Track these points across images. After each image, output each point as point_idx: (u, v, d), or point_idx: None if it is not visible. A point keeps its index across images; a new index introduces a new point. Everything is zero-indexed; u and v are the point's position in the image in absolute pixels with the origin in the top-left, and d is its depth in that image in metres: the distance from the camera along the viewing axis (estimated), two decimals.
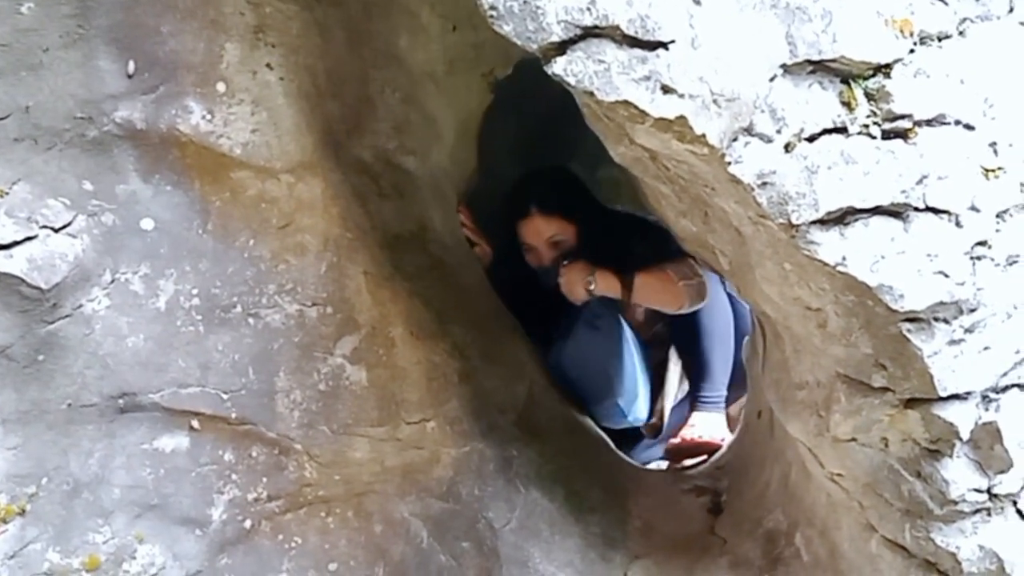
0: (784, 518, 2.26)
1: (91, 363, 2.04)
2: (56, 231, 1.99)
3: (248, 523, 2.23)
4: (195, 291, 2.13)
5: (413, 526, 2.41)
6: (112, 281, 2.06)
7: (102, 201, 2.04)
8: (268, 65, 2.11)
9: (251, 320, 2.17)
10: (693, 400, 3.36)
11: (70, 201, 2.01)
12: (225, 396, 2.16)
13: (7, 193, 1.95)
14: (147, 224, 2.09)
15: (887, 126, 1.64)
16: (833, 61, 1.63)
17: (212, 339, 2.15)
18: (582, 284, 3.05)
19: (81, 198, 2.02)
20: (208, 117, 2.07)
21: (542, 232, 3.14)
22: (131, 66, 2.01)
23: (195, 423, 2.16)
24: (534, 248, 3.19)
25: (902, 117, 1.64)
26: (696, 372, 3.36)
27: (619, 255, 3.07)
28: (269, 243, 2.17)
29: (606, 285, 3.04)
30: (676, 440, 3.29)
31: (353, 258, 2.26)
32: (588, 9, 1.41)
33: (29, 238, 1.95)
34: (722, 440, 3.21)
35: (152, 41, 2.02)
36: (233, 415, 2.17)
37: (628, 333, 3.22)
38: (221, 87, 2.08)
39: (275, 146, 2.13)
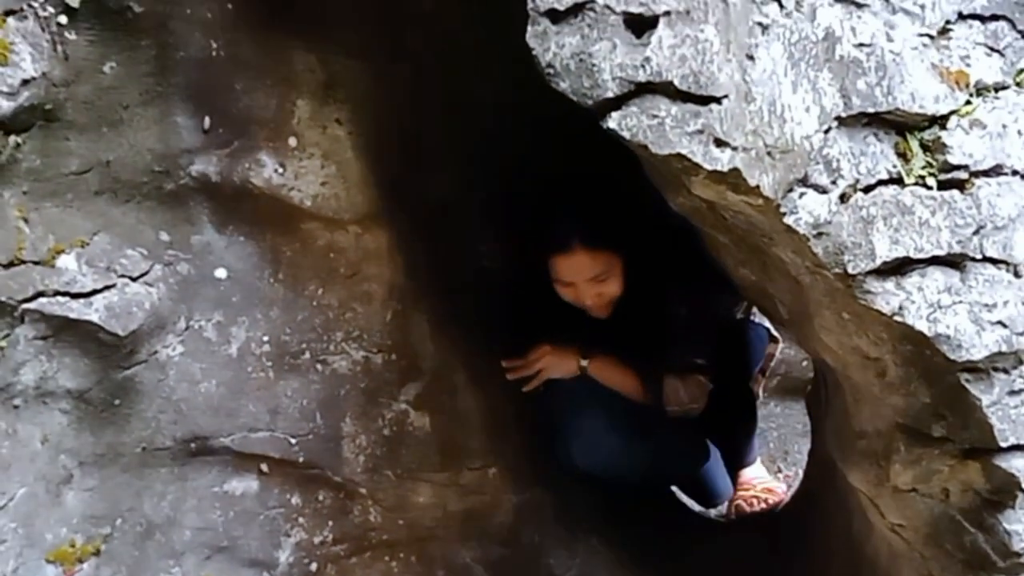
0: (846, 569, 2.24)
1: (165, 408, 2.12)
2: (134, 280, 2.07)
3: (314, 566, 2.27)
4: (266, 338, 2.20)
5: (475, 571, 2.43)
6: (186, 328, 2.14)
7: (178, 251, 2.12)
8: (337, 120, 2.19)
9: (319, 366, 2.24)
10: (737, 458, 3.26)
11: (147, 251, 2.09)
12: (293, 440, 2.22)
13: (88, 244, 2.04)
14: (220, 273, 2.17)
15: (943, 177, 1.65)
16: (888, 113, 1.64)
17: (281, 385, 2.21)
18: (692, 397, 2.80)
19: (158, 248, 2.10)
20: (280, 171, 2.14)
21: (585, 271, 2.57)
22: (207, 122, 2.10)
23: (264, 467, 2.22)
24: (572, 285, 2.62)
25: (958, 168, 1.64)
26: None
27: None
28: (337, 292, 2.24)
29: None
30: (744, 494, 3.22)
31: (417, 305, 2.32)
32: (642, 66, 1.45)
33: (108, 287, 2.03)
34: (783, 491, 3.19)
35: (226, 98, 2.10)
36: (301, 459, 2.23)
37: None
38: (292, 141, 2.16)
39: (343, 198, 2.20)
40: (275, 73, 2.12)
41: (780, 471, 3.63)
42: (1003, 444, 1.65)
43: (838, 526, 2.29)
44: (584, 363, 2.73)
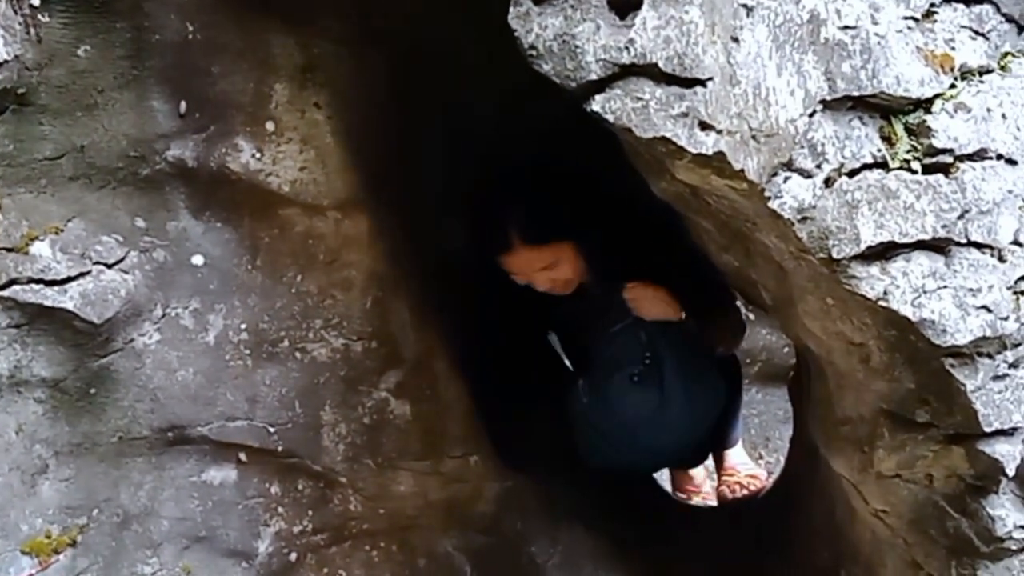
0: (829, 555, 2.24)
1: (141, 396, 2.09)
2: (109, 267, 2.04)
3: (294, 556, 2.26)
4: (244, 326, 2.17)
5: (457, 560, 2.42)
6: (163, 316, 2.11)
7: (154, 237, 2.10)
8: (316, 104, 2.15)
9: (298, 354, 2.21)
10: (720, 438, 3.22)
11: (123, 238, 2.06)
12: (272, 429, 2.20)
13: (62, 230, 2.01)
14: (197, 260, 2.14)
15: (928, 161, 1.63)
16: (873, 97, 1.63)
17: (260, 373, 2.19)
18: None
19: (133, 235, 2.08)
20: (257, 155, 2.11)
21: (532, 264, 2.56)
22: (183, 106, 2.06)
23: (242, 456, 2.20)
24: (525, 277, 2.61)
25: (943, 152, 1.63)
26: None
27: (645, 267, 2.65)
28: (316, 278, 2.21)
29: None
30: (728, 479, 3.21)
31: (398, 293, 2.29)
32: (626, 48, 1.43)
33: (83, 274, 2.00)
34: (765, 477, 3.19)
35: (203, 82, 2.07)
36: (280, 448, 2.21)
37: None
38: (270, 126, 2.12)
39: (323, 183, 2.17)
40: (252, 56, 2.09)
41: (761, 458, 3.63)
42: (987, 429, 1.65)
43: (821, 513, 2.29)
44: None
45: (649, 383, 2.65)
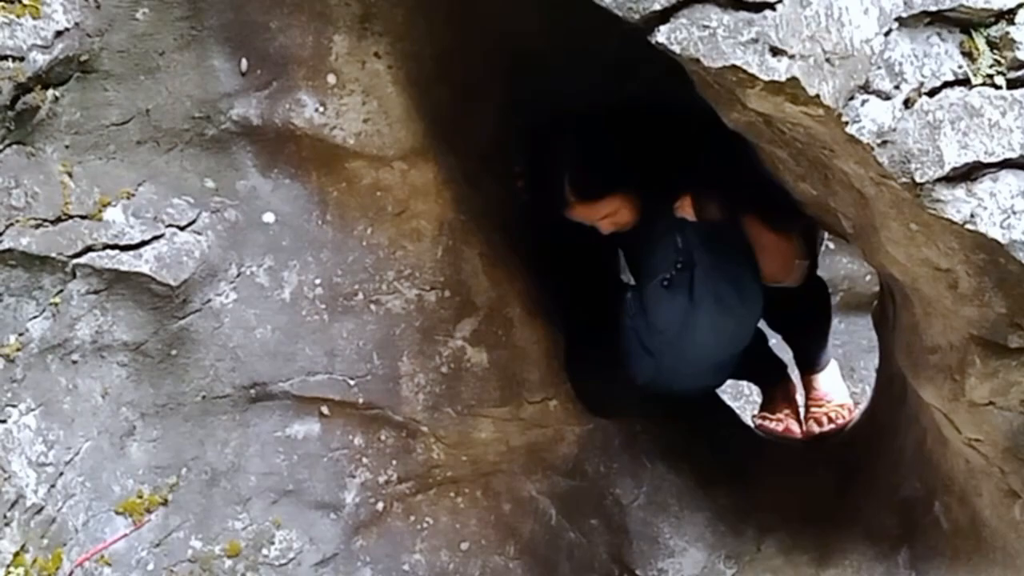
0: (921, 486, 2.19)
1: (222, 355, 2.12)
2: (182, 229, 2.06)
3: (380, 505, 2.28)
4: (318, 281, 2.18)
5: (541, 504, 2.43)
6: (238, 275, 2.13)
7: (224, 197, 2.11)
8: (376, 54, 2.13)
9: (373, 307, 2.22)
10: (808, 360, 3.19)
11: (193, 199, 2.08)
12: (352, 382, 2.22)
13: (133, 195, 2.03)
14: (268, 218, 2.15)
15: (1012, 75, 1.56)
16: (951, 11, 1.56)
17: (336, 327, 2.20)
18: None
19: (204, 196, 2.10)
20: (321, 110, 2.10)
21: (592, 215, 2.65)
22: (244, 64, 2.06)
23: (325, 409, 2.22)
24: (590, 224, 2.70)
25: None
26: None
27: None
28: (386, 230, 2.21)
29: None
30: (816, 411, 3.13)
31: (468, 241, 2.28)
32: None
33: (156, 237, 2.03)
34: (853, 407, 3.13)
35: (262, 38, 2.06)
36: (361, 400, 2.23)
37: None
38: (332, 79, 2.11)
39: (387, 134, 2.16)
40: (310, 9, 2.07)
41: (847, 389, 3.56)
42: None
43: (911, 443, 2.24)
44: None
45: (679, 288, 2.59)
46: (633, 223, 2.66)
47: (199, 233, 2.08)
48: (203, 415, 2.14)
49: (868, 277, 3.65)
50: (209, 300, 2.10)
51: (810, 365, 3.20)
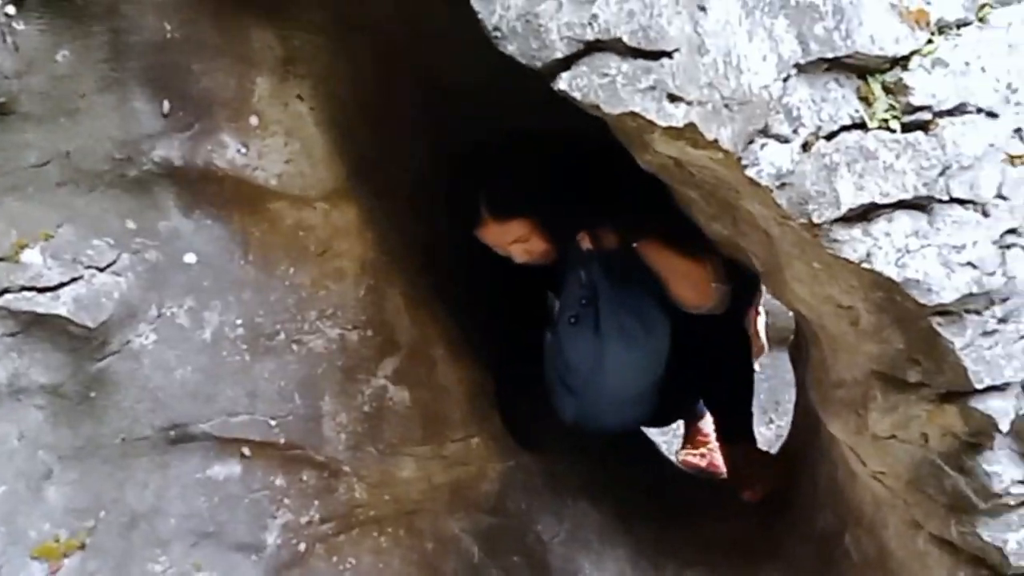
0: (833, 518, 2.23)
1: (142, 397, 2.10)
2: (101, 270, 2.05)
3: (302, 546, 2.27)
4: (239, 321, 2.18)
5: (464, 542, 2.43)
6: (158, 316, 2.12)
7: (145, 238, 2.10)
8: (299, 96, 2.15)
9: (295, 347, 2.22)
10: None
11: (114, 240, 2.07)
12: (273, 422, 2.21)
13: (52, 236, 2.01)
14: (190, 258, 2.14)
15: (907, 119, 1.62)
16: (848, 57, 1.61)
17: (258, 367, 2.20)
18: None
19: (124, 237, 2.08)
20: (243, 151, 2.11)
21: (504, 237, 2.64)
22: (166, 105, 2.07)
23: (246, 450, 2.21)
24: (502, 250, 2.69)
25: (922, 109, 1.62)
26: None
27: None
28: (309, 270, 2.22)
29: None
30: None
31: (391, 280, 2.29)
32: (590, 24, 1.42)
33: (75, 279, 2.01)
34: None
35: (185, 80, 2.07)
36: (282, 440, 2.22)
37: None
38: (254, 120, 2.12)
39: (309, 175, 2.17)
40: (232, 52, 2.08)
41: (772, 422, 3.62)
42: (978, 386, 1.64)
43: (824, 476, 2.28)
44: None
45: (586, 324, 2.63)
46: (548, 255, 2.66)
47: (119, 274, 2.07)
48: (122, 457, 2.11)
49: (791, 313, 3.71)
50: (128, 341, 2.08)
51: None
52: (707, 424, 3.24)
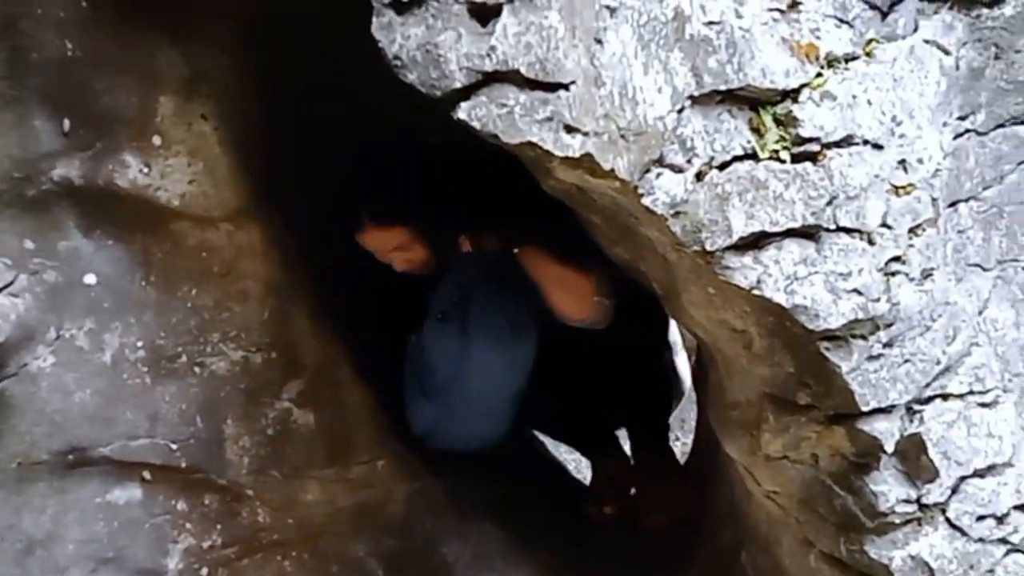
0: (732, 535, 2.29)
1: (39, 421, 2.06)
2: None
3: (204, 571, 2.24)
4: (140, 343, 2.15)
5: (369, 565, 2.43)
6: (57, 338, 2.08)
7: (44, 259, 2.06)
8: (203, 116, 2.14)
9: (197, 369, 2.20)
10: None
11: (11, 260, 2.02)
12: (174, 446, 2.18)
13: None
14: (90, 279, 2.11)
15: (796, 150, 1.67)
16: (741, 90, 1.66)
17: (159, 390, 2.17)
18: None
19: (23, 257, 2.04)
20: (145, 171, 2.09)
21: (384, 243, 2.64)
22: (66, 124, 2.03)
23: (146, 474, 2.17)
24: (383, 258, 2.69)
25: (811, 140, 1.67)
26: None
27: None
28: (212, 291, 2.20)
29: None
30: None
31: (296, 301, 2.29)
32: (488, 55, 1.44)
33: None
34: None
35: (86, 98, 2.04)
36: (183, 464, 2.19)
37: None
38: (157, 140, 2.10)
39: (213, 195, 2.16)
40: (136, 70, 2.06)
41: (678, 439, 3.68)
42: (865, 408, 1.70)
43: (723, 494, 2.33)
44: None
45: (453, 321, 2.57)
46: (429, 265, 2.65)
47: (16, 295, 2.03)
48: (18, 482, 2.06)
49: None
50: (26, 364, 2.04)
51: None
52: (619, 468, 3.10)
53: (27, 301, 2.03)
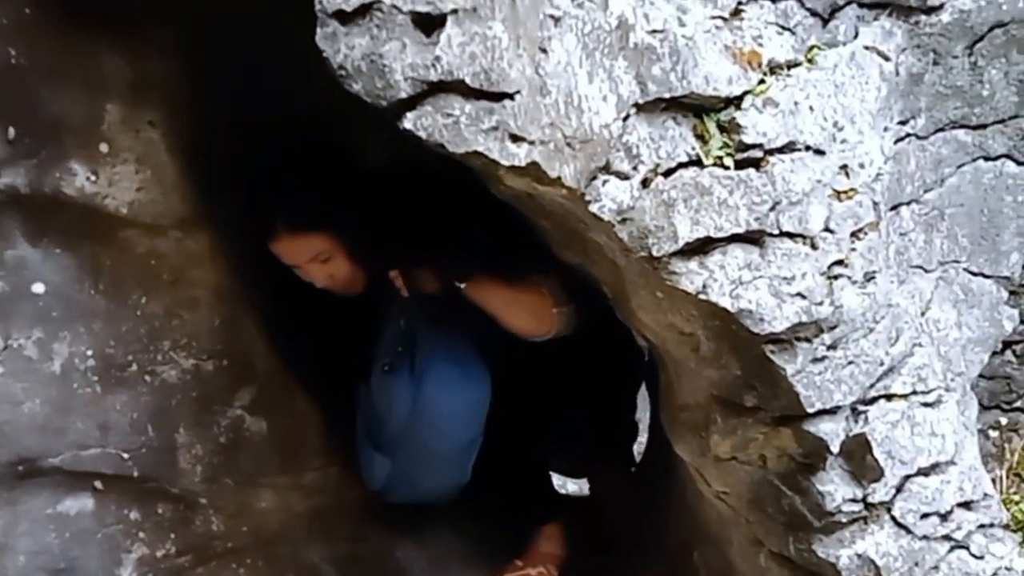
0: (683, 535, 2.31)
1: None
2: None
3: None
4: (90, 352, 2.13)
5: (324, 571, 2.43)
6: (5, 348, 2.06)
7: None
8: (150, 122, 2.13)
9: (147, 378, 2.18)
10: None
11: None
12: (126, 455, 2.17)
13: None
14: (38, 288, 2.08)
15: (740, 156, 1.70)
16: (685, 97, 1.68)
17: (110, 399, 2.15)
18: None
19: None
20: (92, 179, 2.07)
21: (299, 254, 2.42)
22: (11, 132, 2.01)
23: (98, 484, 2.16)
24: (299, 268, 2.46)
25: (754, 147, 1.70)
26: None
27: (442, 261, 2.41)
28: (161, 299, 2.19)
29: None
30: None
31: (246, 309, 2.28)
32: (433, 65, 1.44)
33: None
34: None
35: (31, 105, 2.01)
36: (135, 474, 2.18)
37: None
38: (104, 148, 2.08)
39: (161, 203, 2.15)
40: (82, 77, 2.04)
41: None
42: (810, 410, 1.73)
43: (674, 495, 2.36)
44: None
45: (401, 372, 2.44)
46: (354, 284, 2.46)
47: None
48: None
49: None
50: None
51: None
52: (554, 535, 2.83)
53: None
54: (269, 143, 2.32)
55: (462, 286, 2.36)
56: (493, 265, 2.36)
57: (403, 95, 1.46)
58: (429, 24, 1.46)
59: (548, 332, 2.43)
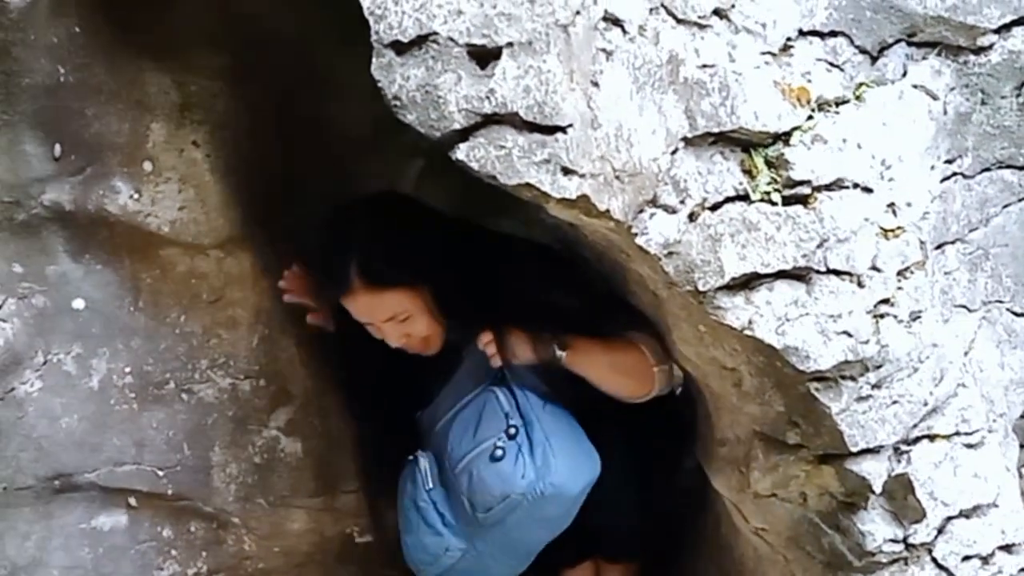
0: (716, 570, 2.30)
1: (25, 446, 2.06)
2: None
3: None
4: (128, 369, 2.15)
5: None
6: (44, 363, 2.08)
7: (32, 283, 2.06)
8: (194, 142, 2.14)
9: (184, 396, 2.19)
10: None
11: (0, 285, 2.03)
12: (161, 473, 2.18)
13: None
14: (78, 304, 2.11)
15: (787, 192, 1.70)
16: (733, 132, 1.69)
17: (146, 416, 2.17)
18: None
19: (11, 281, 2.04)
20: (135, 196, 2.09)
21: (376, 311, 2.19)
22: (57, 149, 2.03)
23: (132, 501, 2.18)
24: (372, 326, 2.23)
25: (802, 183, 1.70)
26: None
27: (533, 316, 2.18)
28: (200, 318, 2.20)
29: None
30: None
31: (285, 329, 2.29)
32: (487, 97, 1.45)
33: None
34: None
35: (77, 124, 2.03)
36: (170, 491, 2.19)
37: None
38: (148, 166, 2.10)
39: (203, 222, 2.16)
40: (127, 97, 2.06)
41: None
42: (853, 449, 1.72)
43: (709, 528, 2.35)
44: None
45: (515, 453, 2.13)
46: (429, 345, 2.25)
47: (4, 320, 2.03)
48: (3, 508, 2.05)
49: None
50: (13, 389, 2.04)
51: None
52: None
53: (15, 325, 2.04)
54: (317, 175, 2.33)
55: (562, 353, 2.16)
56: (588, 327, 2.19)
57: (457, 126, 1.47)
58: (484, 57, 1.47)
59: (649, 393, 2.20)
